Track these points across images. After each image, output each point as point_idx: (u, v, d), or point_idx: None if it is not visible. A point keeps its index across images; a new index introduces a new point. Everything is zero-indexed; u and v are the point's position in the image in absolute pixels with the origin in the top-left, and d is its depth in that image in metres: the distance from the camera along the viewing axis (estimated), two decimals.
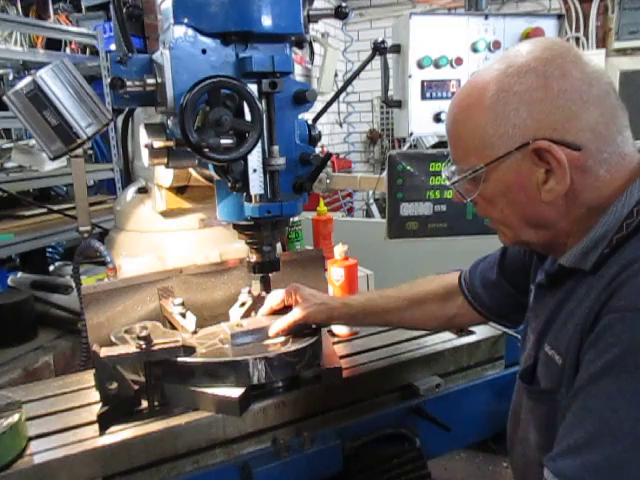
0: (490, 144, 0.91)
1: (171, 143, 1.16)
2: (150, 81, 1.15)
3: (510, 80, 0.89)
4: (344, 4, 1.38)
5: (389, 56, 2.20)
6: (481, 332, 1.58)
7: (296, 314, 1.30)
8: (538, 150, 0.87)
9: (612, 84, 0.91)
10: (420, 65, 2.21)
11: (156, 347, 1.21)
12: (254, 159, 1.14)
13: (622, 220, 0.86)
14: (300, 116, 1.23)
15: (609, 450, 0.74)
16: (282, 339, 1.33)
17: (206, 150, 1.04)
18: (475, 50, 2.24)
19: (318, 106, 1.61)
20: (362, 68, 2.05)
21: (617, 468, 0.73)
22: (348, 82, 2.08)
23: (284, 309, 1.37)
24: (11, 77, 3.65)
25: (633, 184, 0.88)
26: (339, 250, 1.65)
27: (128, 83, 1.13)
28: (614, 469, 0.73)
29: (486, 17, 2.25)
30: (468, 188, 0.98)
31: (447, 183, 1.02)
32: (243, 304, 1.47)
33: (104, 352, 1.20)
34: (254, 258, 1.29)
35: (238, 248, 1.57)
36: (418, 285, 1.41)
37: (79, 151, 1.41)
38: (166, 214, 1.57)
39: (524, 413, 1.07)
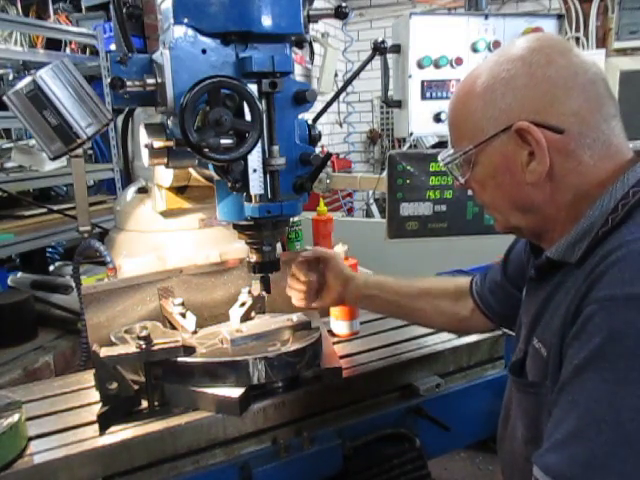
0: (480, 128, 0.96)
1: (171, 143, 1.16)
2: (150, 81, 1.15)
3: (499, 68, 0.94)
4: (344, 4, 1.38)
5: (389, 56, 2.20)
6: None
7: (322, 303, 1.44)
8: (520, 131, 0.91)
9: (602, 75, 0.94)
10: (420, 65, 2.21)
11: (156, 347, 1.21)
12: (254, 159, 1.14)
13: (608, 214, 0.87)
14: (300, 116, 1.23)
15: (594, 442, 0.74)
16: (282, 339, 1.33)
17: (206, 150, 1.04)
18: (475, 50, 2.25)
19: (318, 106, 1.61)
20: (362, 68, 2.05)
21: (603, 460, 0.73)
22: (348, 82, 2.08)
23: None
24: (11, 77, 3.65)
25: (620, 178, 0.89)
26: (339, 250, 1.65)
27: (128, 83, 1.13)
28: (600, 460, 0.73)
29: (486, 17, 2.25)
30: (463, 172, 1.03)
31: (441, 164, 1.07)
32: (243, 304, 1.47)
33: (104, 352, 1.20)
34: (254, 258, 1.29)
35: (238, 248, 1.57)
36: (431, 280, 1.47)
37: (79, 151, 1.41)
38: (166, 214, 1.57)
39: (514, 408, 1.07)
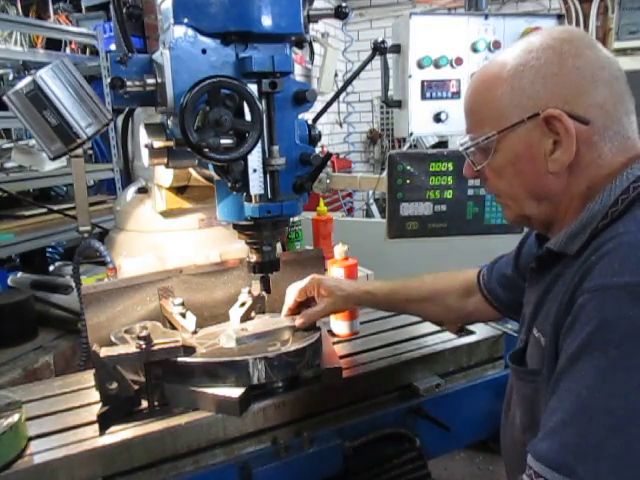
0: (504, 114, 0.95)
1: (171, 143, 1.16)
2: (150, 81, 1.15)
3: (528, 56, 0.94)
4: (344, 4, 1.38)
5: (389, 56, 2.20)
6: (481, 332, 1.59)
7: (324, 307, 1.39)
8: (549, 119, 0.91)
9: (622, 71, 0.95)
10: (420, 65, 2.21)
11: (156, 347, 1.21)
12: (254, 159, 1.14)
13: (608, 208, 0.89)
14: (300, 116, 1.23)
15: (585, 428, 0.75)
16: (282, 339, 1.33)
17: (206, 150, 1.04)
18: (475, 50, 2.24)
19: (318, 106, 1.61)
20: (362, 68, 2.05)
21: (594, 445, 0.74)
22: (348, 82, 2.08)
23: (307, 301, 1.43)
24: (11, 77, 3.65)
25: (623, 172, 0.90)
26: (339, 250, 1.65)
27: (128, 83, 1.13)
28: (591, 447, 0.74)
29: (486, 17, 2.25)
30: (478, 159, 1.02)
31: (460, 149, 1.05)
32: (243, 304, 1.47)
33: (104, 352, 1.20)
34: (254, 258, 1.29)
35: (238, 248, 1.57)
36: (441, 279, 1.47)
37: (79, 151, 1.41)
38: (166, 214, 1.57)
39: (514, 397, 1.09)
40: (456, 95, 2.25)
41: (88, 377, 1.39)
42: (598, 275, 0.81)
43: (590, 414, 0.75)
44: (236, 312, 1.45)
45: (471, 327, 1.60)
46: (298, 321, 1.37)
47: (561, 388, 0.81)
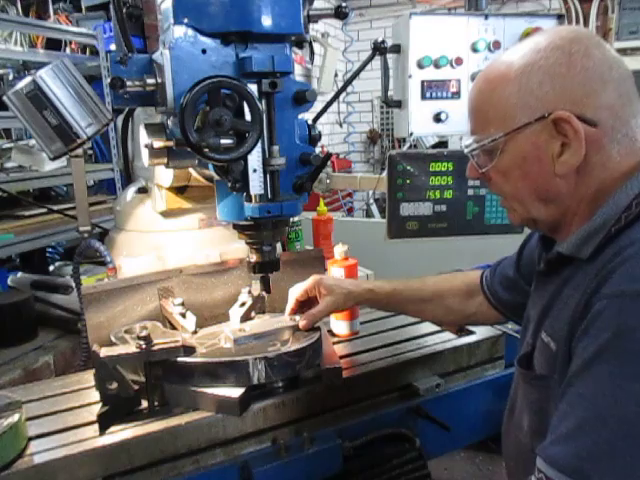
0: (511, 115, 0.94)
1: (171, 143, 1.16)
2: (150, 81, 1.15)
3: (536, 56, 0.92)
4: (344, 4, 1.38)
5: (389, 56, 2.20)
6: (481, 332, 1.59)
7: (326, 306, 1.38)
8: (557, 121, 0.90)
9: (630, 72, 0.94)
10: (420, 65, 2.21)
11: (156, 347, 1.21)
12: (254, 159, 1.14)
13: (621, 212, 0.88)
14: (300, 116, 1.23)
15: (599, 435, 0.74)
16: (282, 339, 1.33)
17: (206, 150, 1.04)
18: (475, 50, 2.24)
19: (318, 106, 1.61)
20: (362, 68, 2.05)
21: (608, 452, 0.73)
22: (348, 82, 2.08)
23: (308, 301, 1.43)
24: (11, 77, 3.65)
25: (634, 176, 0.89)
26: (339, 250, 1.65)
27: (128, 83, 1.13)
28: (605, 453, 0.74)
29: (486, 17, 2.25)
30: (483, 160, 1.01)
31: (465, 151, 1.03)
32: (243, 304, 1.47)
33: (104, 352, 1.20)
34: (254, 258, 1.29)
35: (238, 248, 1.57)
36: (443, 280, 1.46)
37: (79, 151, 1.41)
38: (166, 214, 1.57)
39: (520, 400, 1.08)
40: (456, 95, 2.24)
41: (88, 377, 1.39)
42: (617, 281, 0.80)
43: (604, 420, 0.75)
44: (236, 312, 1.45)
45: (471, 327, 1.60)
46: (301, 323, 1.36)
47: (573, 393, 0.80)
